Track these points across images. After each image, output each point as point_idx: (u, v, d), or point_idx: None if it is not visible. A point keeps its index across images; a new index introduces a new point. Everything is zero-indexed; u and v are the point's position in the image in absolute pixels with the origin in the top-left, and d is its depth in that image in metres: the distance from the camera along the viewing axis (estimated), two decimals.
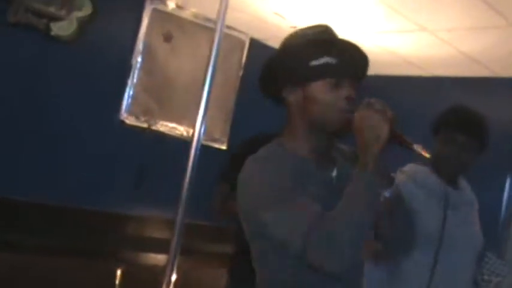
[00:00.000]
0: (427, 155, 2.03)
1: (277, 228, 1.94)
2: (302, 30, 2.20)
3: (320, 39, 2.11)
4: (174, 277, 3.50)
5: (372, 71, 7.04)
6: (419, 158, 3.06)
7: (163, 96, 6.10)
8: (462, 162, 2.97)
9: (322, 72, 2.05)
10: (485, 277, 2.93)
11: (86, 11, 5.60)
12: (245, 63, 6.61)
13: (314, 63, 2.04)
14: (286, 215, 1.91)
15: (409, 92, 6.74)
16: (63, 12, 5.48)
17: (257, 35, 6.73)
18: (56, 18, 5.44)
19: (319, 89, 2.06)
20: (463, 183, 3.11)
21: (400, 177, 3.09)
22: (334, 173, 2.15)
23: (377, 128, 1.95)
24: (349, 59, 2.10)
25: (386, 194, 2.09)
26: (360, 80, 2.17)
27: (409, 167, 3.14)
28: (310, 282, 2.00)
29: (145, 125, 5.96)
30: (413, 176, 3.05)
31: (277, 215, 1.93)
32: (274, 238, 1.97)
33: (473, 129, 2.95)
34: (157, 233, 5.69)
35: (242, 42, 6.75)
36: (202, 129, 3.62)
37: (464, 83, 6.22)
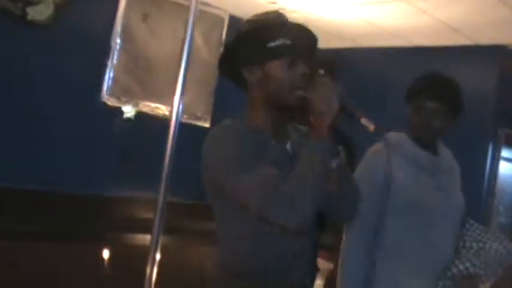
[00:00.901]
0: (372, 128, 2.18)
1: (238, 189, 2.11)
2: (257, 15, 2.35)
3: (276, 23, 2.27)
4: (158, 256, 3.51)
5: (352, 43, 7.09)
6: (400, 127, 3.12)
7: (145, 76, 6.09)
8: (433, 129, 2.97)
9: (279, 52, 2.21)
10: (467, 244, 2.94)
11: None
12: (225, 40, 6.60)
13: (272, 44, 2.21)
14: (247, 177, 2.08)
15: (389, 63, 6.77)
16: None
17: (236, 12, 6.71)
18: (31, 2, 5.40)
19: (277, 67, 2.22)
20: (443, 150, 3.11)
21: (382, 145, 3.11)
22: (289, 146, 2.34)
23: (327, 100, 2.13)
24: (302, 39, 2.28)
25: (334, 164, 2.25)
26: (311, 58, 2.33)
27: (390, 135, 3.15)
28: (270, 238, 2.20)
29: (126, 106, 5.95)
30: (394, 144, 3.07)
31: (238, 177, 2.09)
32: (236, 199, 2.14)
33: (442, 95, 2.94)
34: (142, 213, 5.70)
35: (221, 20, 6.73)
36: (181, 107, 3.61)
37: (444, 52, 6.25)
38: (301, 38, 2.27)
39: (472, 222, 3.06)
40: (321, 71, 3.35)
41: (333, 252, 3.35)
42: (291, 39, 2.23)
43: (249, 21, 2.35)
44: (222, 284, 2.28)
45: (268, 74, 2.23)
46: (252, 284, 2.23)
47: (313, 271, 2.51)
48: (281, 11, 2.39)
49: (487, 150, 5.83)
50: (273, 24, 2.27)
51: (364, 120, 2.19)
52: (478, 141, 5.79)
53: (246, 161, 2.10)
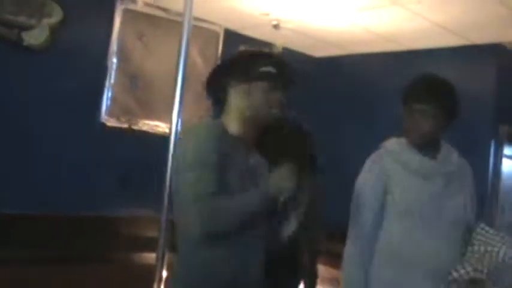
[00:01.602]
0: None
1: (184, 189, 2.49)
2: (253, 48, 2.83)
3: (267, 53, 2.92)
4: (164, 274, 3.51)
5: (348, 50, 7.09)
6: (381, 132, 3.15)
7: (143, 95, 6.09)
8: (423, 132, 2.97)
9: (263, 77, 2.66)
10: (475, 247, 2.92)
11: (57, 17, 5.57)
12: (221, 54, 6.61)
13: (261, 68, 2.66)
14: (194, 181, 2.44)
15: (387, 68, 6.78)
16: (33, 21, 5.45)
17: (231, 26, 6.73)
18: (27, 28, 5.41)
19: (259, 90, 2.65)
20: (447, 152, 3.09)
21: (378, 153, 3.13)
22: (254, 159, 2.75)
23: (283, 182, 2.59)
24: (283, 71, 2.73)
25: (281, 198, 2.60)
26: (288, 89, 2.75)
27: (389, 142, 3.16)
28: (220, 249, 2.55)
29: (126, 126, 5.95)
30: (390, 150, 3.08)
31: (188, 179, 2.46)
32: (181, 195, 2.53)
33: (431, 97, 2.94)
34: (146, 231, 5.69)
35: (217, 34, 6.74)
36: (179, 124, 3.66)
37: (441, 54, 6.25)
38: (283, 69, 2.72)
39: (482, 225, 3.03)
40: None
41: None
42: (276, 68, 2.68)
43: (246, 49, 2.83)
44: None
45: (250, 94, 2.66)
46: None
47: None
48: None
49: (489, 149, 5.82)
50: (265, 54, 2.84)
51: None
52: (479, 139, 5.78)
53: (201, 166, 2.46)
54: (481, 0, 4.78)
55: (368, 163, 3.11)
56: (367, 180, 3.05)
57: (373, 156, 3.12)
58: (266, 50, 2.80)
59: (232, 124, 2.69)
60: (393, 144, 3.11)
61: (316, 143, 3.82)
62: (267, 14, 5.98)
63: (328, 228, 4.02)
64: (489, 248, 2.89)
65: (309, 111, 7.64)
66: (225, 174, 2.50)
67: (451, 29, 5.64)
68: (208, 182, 2.43)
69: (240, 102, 2.70)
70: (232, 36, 6.80)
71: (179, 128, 3.66)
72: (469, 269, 2.83)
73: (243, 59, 2.78)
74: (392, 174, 2.95)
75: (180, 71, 3.69)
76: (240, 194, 2.52)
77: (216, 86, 2.79)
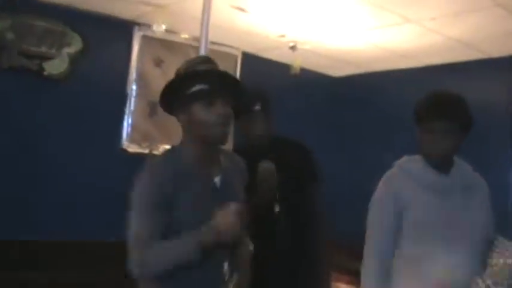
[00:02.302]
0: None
1: (127, 228, 2.51)
2: (186, 63, 2.76)
3: (194, 72, 2.64)
4: None
5: (365, 68, 7.11)
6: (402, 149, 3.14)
7: (162, 120, 6.14)
8: (445, 149, 2.94)
9: (197, 97, 2.57)
10: (494, 261, 2.89)
11: (76, 46, 5.67)
12: (240, 77, 6.65)
13: (190, 90, 2.57)
14: (133, 224, 2.51)
15: (405, 85, 6.78)
16: (54, 51, 5.54)
17: (248, 48, 6.79)
18: (47, 58, 5.51)
19: (197, 110, 2.57)
20: (461, 167, 3.08)
21: (393, 171, 3.12)
22: (218, 178, 2.68)
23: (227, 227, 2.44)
24: (219, 84, 2.60)
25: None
26: (235, 98, 2.67)
27: (403, 160, 3.16)
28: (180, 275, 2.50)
29: (147, 151, 6.00)
30: (405, 168, 3.08)
31: (130, 220, 2.51)
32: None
33: (451, 114, 2.91)
34: None
35: (234, 57, 6.82)
36: None
37: (457, 68, 6.26)
38: (218, 82, 2.59)
39: (500, 239, 3.00)
40: (257, 107, 3.58)
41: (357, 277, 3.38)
42: (207, 84, 2.57)
43: (177, 70, 2.76)
44: None
45: (192, 116, 2.59)
46: None
47: None
48: (206, 57, 2.85)
49: (508, 161, 5.79)
50: (193, 73, 2.63)
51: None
52: (497, 153, 5.76)
53: (145, 211, 2.51)
54: (495, 13, 4.78)
55: (382, 182, 3.10)
56: (382, 198, 3.05)
57: (387, 175, 3.11)
58: (199, 62, 2.77)
59: (186, 148, 2.66)
60: (407, 162, 3.10)
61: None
62: (284, 36, 6.03)
63: (347, 247, 4.01)
64: (509, 261, 2.87)
65: (329, 129, 7.69)
66: (175, 207, 2.50)
67: (466, 43, 5.65)
68: (145, 227, 2.48)
69: (186, 129, 2.69)
70: (250, 59, 6.86)
71: None
72: (489, 281, 2.81)
73: (174, 83, 2.66)
74: (408, 192, 2.95)
75: None
76: (176, 239, 2.46)
77: (167, 110, 2.78)
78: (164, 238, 2.46)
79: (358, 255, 3.10)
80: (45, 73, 5.49)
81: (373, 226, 3.04)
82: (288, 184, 3.48)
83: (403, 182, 2.98)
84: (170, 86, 2.63)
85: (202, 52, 3.88)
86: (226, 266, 2.61)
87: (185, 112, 2.61)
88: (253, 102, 3.58)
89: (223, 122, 2.58)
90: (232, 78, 2.75)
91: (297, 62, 6.56)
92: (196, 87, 2.57)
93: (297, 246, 3.61)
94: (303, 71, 6.82)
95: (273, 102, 3.68)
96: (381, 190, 3.08)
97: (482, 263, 2.91)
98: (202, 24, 4.01)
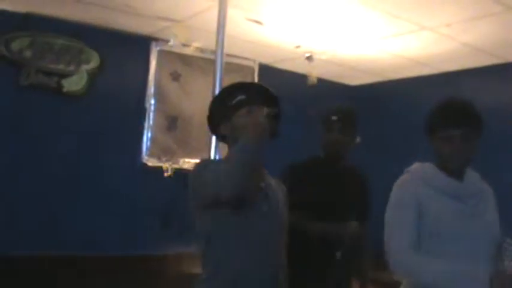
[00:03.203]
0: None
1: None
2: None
3: (234, 85, 2.95)
4: None
5: (382, 76, 7.09)
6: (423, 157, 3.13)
7: (181, 133, 6.19)
8: (465, 156, 2.96)
9: (237, 106, 2.83)
10: (505, 263, 2.89)
11: (94, 63, 5.73)
12: None
13: (232, 102, 2.84)
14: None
15: (422, 92, 6.78)
16: (72, 68, 5.61)
17: (265, 60, 6.82)
18: (66, 75, 5.57)
19: (239, 117, 2.80)
20: (469, 174, 3.09)
21: (406, 176, 3.12)
22: (263, 185, 2.87)
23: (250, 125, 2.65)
24: (256, 92, 2.88)
25: None
26: (272, 104, 2.84)
27: (415, 166, 3.16)
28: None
29: (166, 165, 6.04)
30: (419, 175, 3.07)
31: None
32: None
33: (466, 120, 2.92)
34: (192, 268, 5.70)
35: (251, 69, 6.85)
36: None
37: (475, 74, 6.24)
38: (255, 92, 2.88)
39: (509, 240, 3.00)
40: (334, 117, 3.70)
41: None
42: (245, 94, 2.84)
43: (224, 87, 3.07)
44: None
45: (235, 125, 2.81)
46: None
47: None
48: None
49: None
50: (233, 86, 2.94)
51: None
52: None
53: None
54: (508, 18, 4.77)
55: (398, 186, 3.09)
56: (399, 201, 3.04)
57: (401, 180, 3.11)
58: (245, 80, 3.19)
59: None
60: (421, 168, 3.11)
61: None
62: (299, 47, 6.06)
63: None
64: None
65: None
66: None
67: (483, 48, 5.64)
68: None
69: (231, 140, 2.87)
70: (267, 70, 6.89)
71: None
72: None
73: (216, 100, 3.00)
74: (423, 198, 2.94)
75: None
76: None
77: (214, 130, 3.03)
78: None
79: (380, 265, 3.09)
80: (64, 90, 5.55)
81: (396, 224, 3.01)
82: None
83: (418, 187, 2.98)
84: (214, 103, 2.97)
85: (219, 65, 3.92)
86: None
87: (229, 125, 2.85)
88: (334, 113, 3.70)
89: (266, 128, 2.67)
90: (265, 88, 2.95)
91: (313, 72, 6.57)
92: (237, 98, 2.83)
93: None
94: (320, 80, 6.84)
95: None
96: (399, 191, 3.06)
97: (492, 266, 2.91)
98: (217, 38, 4.05)
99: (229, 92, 2.93)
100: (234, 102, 2.83)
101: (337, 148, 3.70)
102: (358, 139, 3.80)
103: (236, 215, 2.69)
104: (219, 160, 2.97)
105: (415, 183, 3.00)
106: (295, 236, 3.05)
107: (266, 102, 2.84)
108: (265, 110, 2.70)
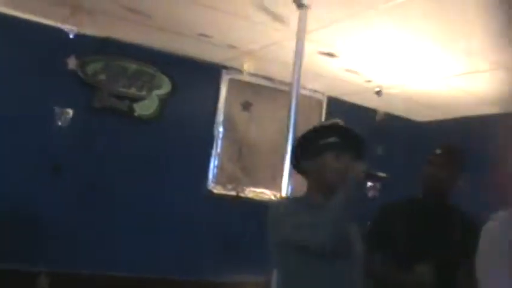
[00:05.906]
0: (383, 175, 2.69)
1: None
2: (318, 123, 3.12)
3: (328, 126, 2.96)
4: None
5: (451, 113, 6.97)
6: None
7: (248, 162, 6.22)
8: None
9: (328, 148, 2.82)
10: None
11: (166, 88, 5.83)
12: (325, 121, 6.67)
13: (324, 141, 2.84)
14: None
15: (491, 131, 6.67)
16: (144, 93, 5.71)
17: (333, 93, 6.83)
18: (137, 99, 5.68)
19: (327, 159, 2.81)
20: None
21: (494, 224, 3.05)
22: None
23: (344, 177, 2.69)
24: (347, 139, 2.86)
25: None
26: (358, 153, 2.86)
27: (501, 215, 3.10)
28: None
29: (233, 193, 6.07)
30: (508, 222, 3.02)
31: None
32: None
33: None
34: None
35: (320, 102, 6.87)
36: (289, 191, 3.73)
37: None
38: (346, 138, 2.85)
39: None
40: (438, 151, 3.58)
41: None
42: (338, 138, 2.84)
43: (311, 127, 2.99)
44: None
45: (320, 163, 2.82)
46: None
47: None
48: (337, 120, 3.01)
49: None
50: (326, 127, 2.95)
51: (380, 174, 2.68)
52: None
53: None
54: None
55: (488, 230, 3.02)
56: (494, 245, 2.97)
57: (490, 224, 3.04)
58: (332, 121, 3.02)
59: (312, 196, 2.88)
60: (508, 216, 3.05)
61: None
62: (370, 81, 6.03)
63: None
64: None
65: (413, 175, 7.58)
66: None
67: None
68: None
69: (313, 176, 2.90)
70: (335, 103, 6.89)
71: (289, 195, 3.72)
72: None
73: (309, 136, 2.93)
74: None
75: (290, 139, 3.79)
76: None
77: (297, 164, 3.02)
78: None
79: None
80: (136, 114, 5.66)
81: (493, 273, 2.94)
82: None
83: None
84: (306, 138, 2.93)
85: (294, 97, 3.93)
86: None
87: (314, 161, 2.85)
88: (438, 147, 3.61)
89: (344, 173, 2.72)
90: (356, 135, 2.92)
91: (382, 107, 6.54)
92: (329, 140, 2.83)
93: None
94: (388, 116, 6.80)
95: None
96: (491, 239, 2.99)
97: None
98: (294, 70, 4.06)
99: (324, 130, 2.93)
100: (325, 142, 2.84)
101: (436, 184, 3.46)
102: (462, 179, 3.52)
103: (320, 260, 2.65)
104: (300, 202, 2.89)
105: (503, 229, 2.93)
106: (374, 284, 3.03)
107: (356, 151, 2.86)
108: (362, 165, 2.68)
